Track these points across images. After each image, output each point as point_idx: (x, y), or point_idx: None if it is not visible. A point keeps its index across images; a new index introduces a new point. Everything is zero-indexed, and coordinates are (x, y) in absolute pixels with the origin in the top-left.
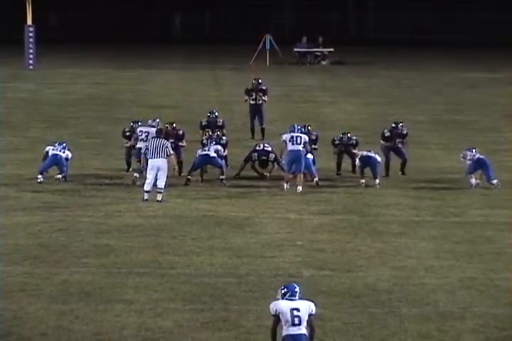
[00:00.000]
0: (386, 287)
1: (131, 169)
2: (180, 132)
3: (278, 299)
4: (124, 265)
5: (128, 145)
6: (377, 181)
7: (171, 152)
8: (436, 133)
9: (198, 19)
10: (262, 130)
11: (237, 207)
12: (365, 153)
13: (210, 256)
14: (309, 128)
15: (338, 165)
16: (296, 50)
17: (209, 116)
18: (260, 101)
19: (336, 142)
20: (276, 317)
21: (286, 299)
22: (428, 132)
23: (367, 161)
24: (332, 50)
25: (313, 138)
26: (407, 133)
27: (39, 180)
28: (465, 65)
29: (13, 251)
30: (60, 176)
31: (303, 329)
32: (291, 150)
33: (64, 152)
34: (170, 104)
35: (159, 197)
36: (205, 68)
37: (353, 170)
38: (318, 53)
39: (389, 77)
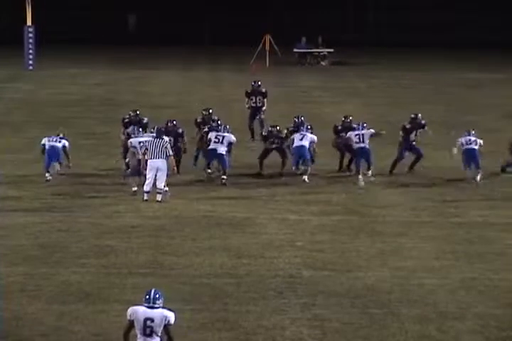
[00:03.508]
0: (386, 287)
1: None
2: (180, 130)
3: (138, 304)
4: (123, 265)
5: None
6: (370, 172)
7: (171, 153)
8: (436, 133)
9: (198, 19)
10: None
11: (237, 207)
12: (357, 145)
13: (210, 257)
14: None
15: (341, 162)
16: (295, 50)
17: (204, 113)
18: (260, 104)
19: (339, 128)
20: (131, 323)
21: (147, 306)
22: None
23: (360, 153)
24: (332, 50)
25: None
26: (425, 123)
27: (47, 179)
28: (465, 65)
29: (12, 251)
30: (58, 168)
31: (156, 339)
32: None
33: (60, 141)
34: (170, 104)
35: (159, 197)
36: (205, 68)
37: (349, 165)
38: (318, 53)
39: (389, 77)
